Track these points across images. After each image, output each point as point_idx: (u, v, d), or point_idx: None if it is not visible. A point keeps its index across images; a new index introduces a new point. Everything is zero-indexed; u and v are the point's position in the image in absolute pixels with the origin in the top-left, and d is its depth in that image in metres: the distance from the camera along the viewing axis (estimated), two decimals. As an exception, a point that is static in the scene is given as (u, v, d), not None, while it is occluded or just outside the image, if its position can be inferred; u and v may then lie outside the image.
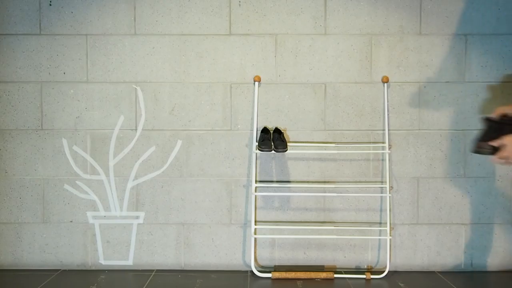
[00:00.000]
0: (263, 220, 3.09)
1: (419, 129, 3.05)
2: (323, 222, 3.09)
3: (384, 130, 3.05)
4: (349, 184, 2.98)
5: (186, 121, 3.09)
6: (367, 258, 3.10)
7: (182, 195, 3.10)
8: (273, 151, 2.88)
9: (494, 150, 2.21)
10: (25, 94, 3.08)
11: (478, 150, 2.30)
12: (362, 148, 3.06)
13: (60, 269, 3.10)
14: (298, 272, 2.96)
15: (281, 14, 3.06)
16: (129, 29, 3.06)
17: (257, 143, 3.00)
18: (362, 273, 2.98)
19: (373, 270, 3.07)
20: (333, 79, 3.07)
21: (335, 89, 3.08)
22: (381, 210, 3.07)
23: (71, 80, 3.08)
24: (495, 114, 2.34)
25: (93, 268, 3.11)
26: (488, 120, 2.36)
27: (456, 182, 3.08)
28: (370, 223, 3.09)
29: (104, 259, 3.11)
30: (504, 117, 2.32)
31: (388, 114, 3.06)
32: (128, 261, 3.11)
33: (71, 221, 3.10)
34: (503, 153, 2.16)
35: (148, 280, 2.92)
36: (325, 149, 3.08)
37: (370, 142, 3.06)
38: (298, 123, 3.08)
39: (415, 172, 3.07)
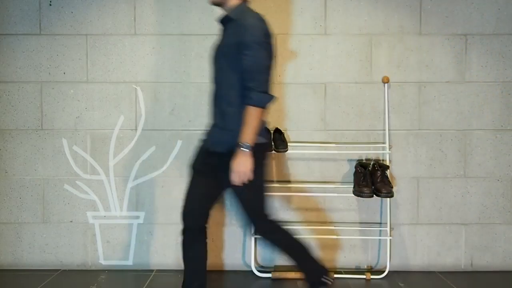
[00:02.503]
0: (263, 220, 3.09)
1: (419, 129, 3.05)
2: (323, 222, 3.09)
3: (384, 130, 3.05)
4: (349, 184, 2.97)
5: (186, 121, 3.08)
6: (367, 258, 3.10)
7: (182, 195, 3.09)
8: (273, 151, 2.88)
9: (371, 193, 2.80)
10: (25, 94, 3.08)
11: (360, 194, 2.81)
12: (362, 148, 3.06)
13: (60, 269, 3.10)
14: (298, 272, 2.95)
15: (281, 14, 3.06)
16: (129, 29, 3.06)
17: (257, 143, 2.99)
18: (362, 273, 2.98)
19: (373, 270, 3.07)
20: (333, 79, 3.06)
21: (335, 89, 3.08)
22: (381, 210, 3.07)
23: (71, 80, 3.08)
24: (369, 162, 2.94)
25: (93, 268, 3.11)
26: (361, 167, 2.91)
27: (456, 182, 3.08)
28: (370, 223, 3.09)
29: (104, 259, 3.11)
30: (375, 164, 2.88)
31: (388, 114, 3.06)
32: (128, 261, 3.11)
33: (71, 221, 3.10)
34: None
35: (148, 280, 2.92)
36: (325, 149, 3.07)
37: (370, 142, 3.06)
38: (298, 123, 3.08)
39: (415, 172, 3.07)
